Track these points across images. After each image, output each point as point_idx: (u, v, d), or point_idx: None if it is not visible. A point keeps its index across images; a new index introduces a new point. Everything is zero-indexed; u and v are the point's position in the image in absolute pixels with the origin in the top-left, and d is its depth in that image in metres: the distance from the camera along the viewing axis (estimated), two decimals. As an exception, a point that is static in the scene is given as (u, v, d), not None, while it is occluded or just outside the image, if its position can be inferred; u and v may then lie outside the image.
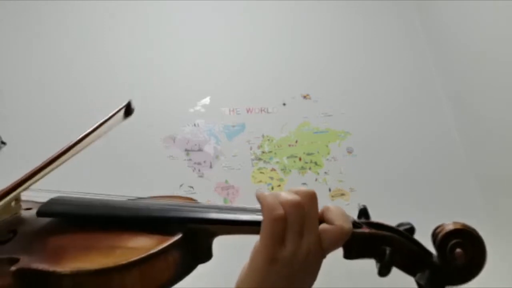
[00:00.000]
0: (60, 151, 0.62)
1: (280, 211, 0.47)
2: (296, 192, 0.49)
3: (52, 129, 2.10)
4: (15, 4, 2.32)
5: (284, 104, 2.43)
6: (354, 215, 0.56)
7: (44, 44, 2.31)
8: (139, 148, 2.18)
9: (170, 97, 2.33)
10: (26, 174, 0.60)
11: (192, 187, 2.17)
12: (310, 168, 2.32)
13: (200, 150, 2.27)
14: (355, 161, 2.37)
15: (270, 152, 2.32)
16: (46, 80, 2.23)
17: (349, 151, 2.39)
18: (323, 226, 0.49)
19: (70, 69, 2.28)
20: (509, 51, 2.03)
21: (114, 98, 2.22)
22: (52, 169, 0.62)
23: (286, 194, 0.48)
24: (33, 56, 2.27)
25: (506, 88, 2.07)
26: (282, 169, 2.30)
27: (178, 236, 0.51)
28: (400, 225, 0.54)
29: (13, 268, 0.48)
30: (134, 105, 0.72)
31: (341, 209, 0.51)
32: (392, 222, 0.55)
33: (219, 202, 2.14)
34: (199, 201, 0.64)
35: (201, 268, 0.54)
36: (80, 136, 0.65)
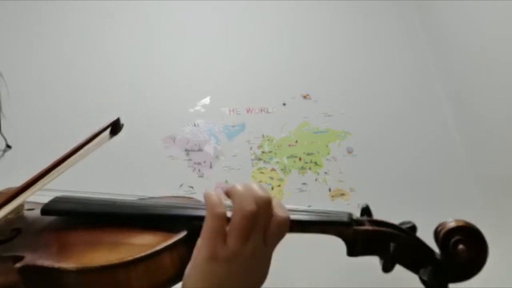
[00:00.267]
0: (45, 169, 0.61)
1: (222, 209, 0.46)
2: (251, 194, 0.47)
3: (52, 129, 2.10)
4: (15, 4, 2.32)
5: (284, 104, 2.43)
6: (355, 214, 0.56)
7: (44, 44, 2.31)
8: (139, 148, 2.18)
9: (170, 97, 2.33)
10: (27, 181, 0.60)
11: (192, 187, 2.17)
12: (310, 168, 2.32)
13: (200, 150, 2.27)
14: (355, 161, 2.37)
15: (270, 152, 2.33)
16: (46, 80, 2.23)
17: (349, 151, 2.39)
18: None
19: (70, 69, 2.28)
20: (509, 51, 2.03)
21: (114, 98, 2.23)
22: (40, 187, 0.61)
23: (241, 196, 0.47)
24: (33, 56, 2.27)
25: (506, 88, 2.07)
26: (282, 169, 2.30)
27: (183, 233, 0.52)
28: (402, 223, 0.55)
29: (18, 265, 0.48)
30: (122, 122, 0.69)
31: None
32: (393, 222, 0.56)
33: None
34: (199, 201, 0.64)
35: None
36: (60, 158, 0.61)
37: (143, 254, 0.48)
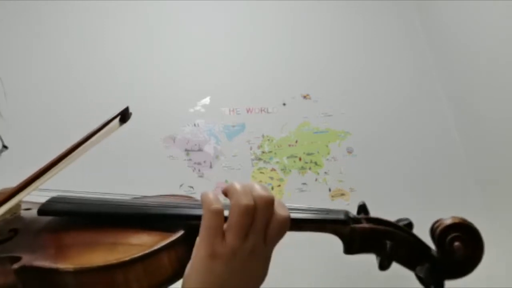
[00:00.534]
0: (54, 159, 0.61)
1: (218, 205, 0.46)
2: (252, 191, 0.47)
3: (52, 130, 2.10)
4: (15, 4, 2.33)
5: (284, 104, 2.44)
6: (352, 212, 0.56)
7: (44, 44, 2.31)
8: (139, 148, 2.18)
9: (170, 97, 2.33)
10: (25, 179, 0.60)
11: (192, 187, 2.17)
12: (310, 168, 2.32)
13: (200, 150, 2.27)
14: (355, 161, 2.37)
15: (270, 152, 2.33)
16: (46, 80, 2.23)
17: (349, 151, 2.38)
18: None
19: (70, 69, 2.28)
20: (509, 51, 2.03)
21: (114, 98, 2.23)
22: (48, 178, 0.61)
23: (240, 193, 0.47)
24: (33, 56, 2.27)
25: (506, 88, 2.07)
26: (282, 169, 2.30)
27: (180, 233, 0.52)
28: (398, 220, 0.55)
29: (15, 266, 0.48)
30: (131, 111, 0.70)
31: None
32: (396, 219, 0.55)
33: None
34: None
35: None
36: (73, 145, 0.62)
37: (141, 254, 0.48)
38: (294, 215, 0.52)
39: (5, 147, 0.77)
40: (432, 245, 0.51)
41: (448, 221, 0.50)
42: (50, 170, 0.59)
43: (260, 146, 2.32)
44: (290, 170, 2.30)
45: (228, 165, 2.26)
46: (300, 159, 2.34)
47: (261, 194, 0.46)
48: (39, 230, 0.58)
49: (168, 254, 0.50)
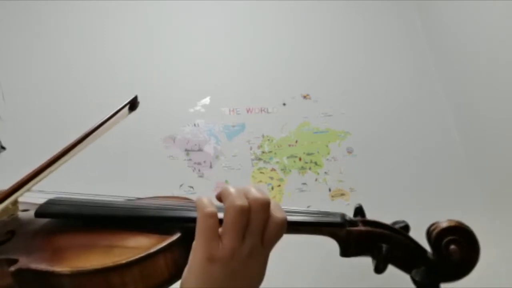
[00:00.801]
0: (68, 146, 0.62)
1: (212, 208, 0.46)
2: (246, 193, 0.48)
3: (52, 130, 2.10)
4: (15, 4, 2.33)
5: (284, 104, 2.43)
6: (348, 215, 0.56)
7: (44, 44, 2.31)
8: (139, 148, 2.18)
9: (170, 97, 2.33)
10: (28, 173, 0.60)
11: (192, 187, 2.17)
12: (310, 168, 2.32)
13: (200, 150, 2.27)
14: (355, 161, 2.36)
15: (270, 152, 2.33)
16: (46, 81, 2.23)
17: (349, 151, 2.38)
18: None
19: (70, 69, 2.28)
20: (509, 51, 2.03)
21: (114, 98, 2.22)
22: (59, 166, 0.62)
23: (235, 196, 0.47)
24: (33, 56, 2.27)
25: (506, 88, 2.07)
26: (282, 169, 2.30)
27: (176, 236, 0.52)
28: (395, 223, 0.55)
29: (12, 268, 0.48)
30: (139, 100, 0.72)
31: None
32: (392, 222, 0.55)
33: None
34: None
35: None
36: (87, 132, 0.64)
37: (137, 256, 0.48)
38: (290, 217, 0.52)
39: (3, 148, 0.77)
40: (428, 248, 0.51)
41: (444, 224, 0.50)
42: (64, 156, 0.60)
43: (260, 146, 2.33)
44: (290, 170, 2.30)
45: (228, 165, 2.26)
46: (300, 159, 2.34)
47: (256, 196, 0.46)
48: (36, 232, 0.58)
49: (164, 256, 0.50)
